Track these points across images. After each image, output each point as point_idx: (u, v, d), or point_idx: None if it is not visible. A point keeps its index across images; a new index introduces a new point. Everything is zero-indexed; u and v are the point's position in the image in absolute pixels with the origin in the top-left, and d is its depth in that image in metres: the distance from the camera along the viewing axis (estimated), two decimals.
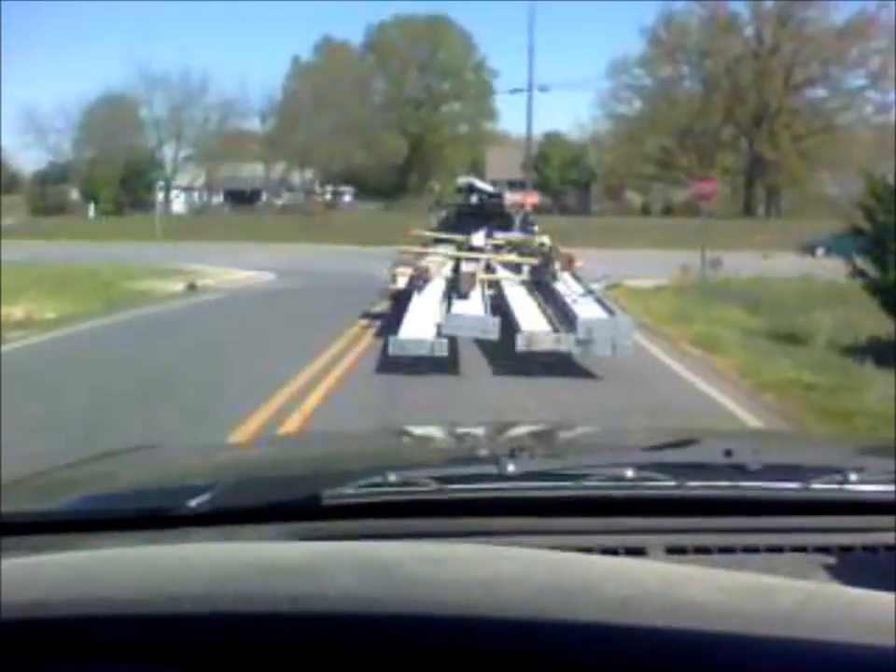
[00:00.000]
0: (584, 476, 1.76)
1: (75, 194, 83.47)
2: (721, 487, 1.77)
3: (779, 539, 1.69)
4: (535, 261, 16.97)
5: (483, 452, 2.55)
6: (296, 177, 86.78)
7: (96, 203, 79.69)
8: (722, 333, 15.35)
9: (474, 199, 21.76)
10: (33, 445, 6.95)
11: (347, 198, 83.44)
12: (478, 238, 19.01)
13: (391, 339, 12.13)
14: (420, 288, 14.94)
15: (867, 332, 14.57)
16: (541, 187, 64.79)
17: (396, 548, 1.28)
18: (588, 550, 1.52)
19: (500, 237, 19.67)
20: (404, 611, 0.98)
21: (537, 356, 12.05)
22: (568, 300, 13.74)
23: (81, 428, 7.99)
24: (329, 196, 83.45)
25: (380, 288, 18.59)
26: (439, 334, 12.14)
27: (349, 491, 1.68)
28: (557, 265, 15.98)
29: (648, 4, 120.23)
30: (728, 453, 1.84)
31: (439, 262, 17.54)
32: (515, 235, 20.02)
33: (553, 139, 78.15)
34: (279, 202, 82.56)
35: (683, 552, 1.63)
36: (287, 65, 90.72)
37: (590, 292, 14.42)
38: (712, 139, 76.91)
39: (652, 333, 16.33)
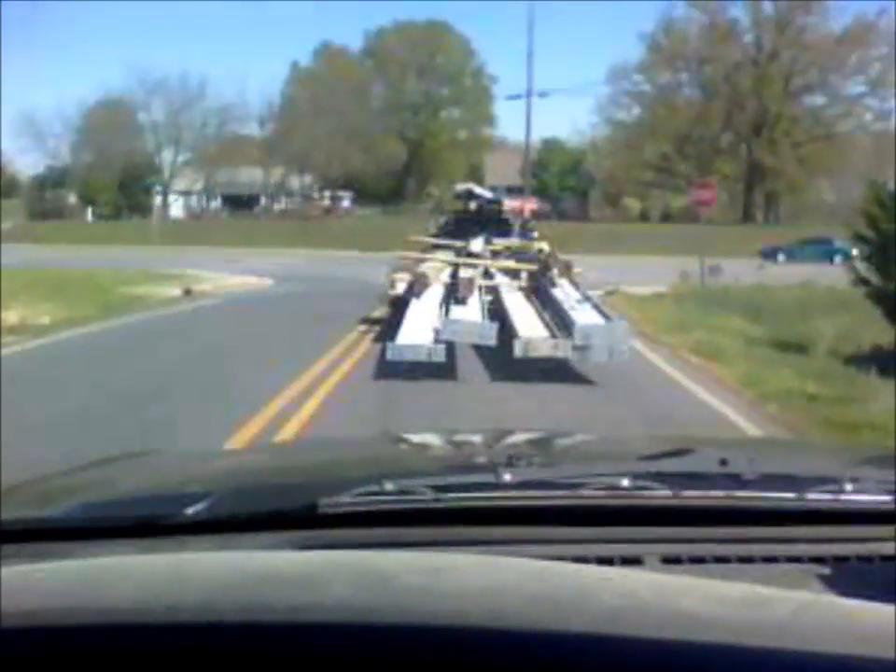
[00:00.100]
0: (580, 485, 1.75)
1: (73, 198, 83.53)
2: (716, 497, 1.77)
3: (774, 549, 1.69)
4: (533, 267, 16.93)
5: (480, 460, 2.55)
6: (294, 182, 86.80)
7: (94, 207, 79.67)
8: (723, 341, 15.21)
9: (473, 205, 21.70)
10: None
11: (346, 203, 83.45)
12: (476, 244, 19.02)
13: (389, 344, 12.11)
14: (418, 294, 14.86)
15: (869, 341, 14.44)
16: (540, 193, 64.74)
17: (392, 558, 1.27)
18: (584, 559, 1.52)
19: (499, 243, 19.65)
20: (399, 621, 0.97)
21: (534, 361, 12.02)
22: (566, 306, 13.73)
23: (61, 439, 7.76)
24: (327, 201, 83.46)
25: (379, 294, 18.52)
26: (436, 340, 12.14)
27: (346, 499, 1.68)
28: (555, 271, 15.97)
29: (647, 10, 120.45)
30: (723, 462, 1.86)
31: (437, 268, 17.47)
32: (514, 241, 20.02)
33: (551, 145, 78.25)
34: (277, 207, 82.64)
35: (679, 561, 1.63)
36: (286, 70, 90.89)
37: (587, 298, 14.39)
38: (711, 146, 76.92)
39: (652, 341, 16.20)
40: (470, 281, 15.12)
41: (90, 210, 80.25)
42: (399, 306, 15.39)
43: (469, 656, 0.94)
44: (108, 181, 79.40)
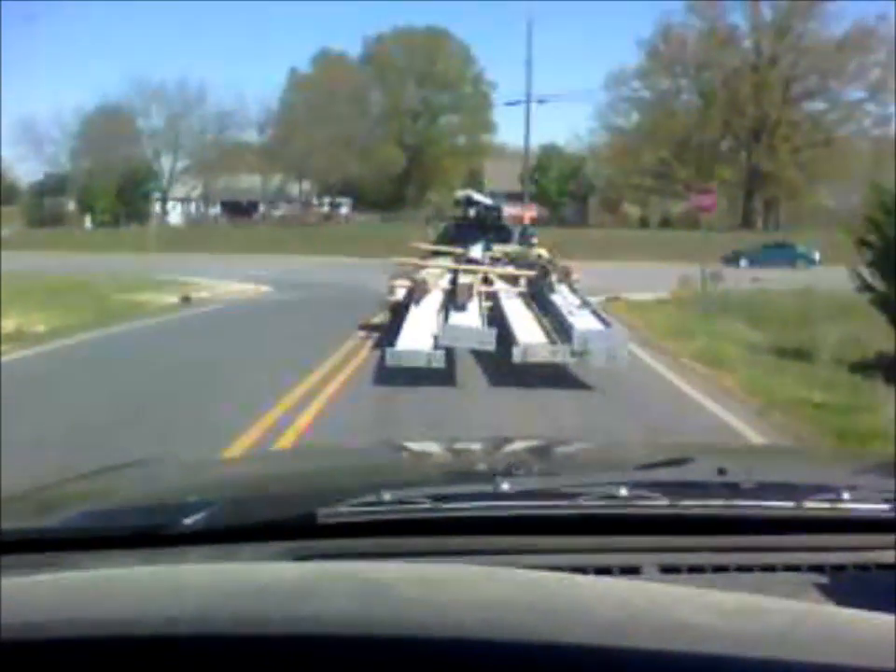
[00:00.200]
0: (579, 495, 1.74)
1: (71, 205, 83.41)
2: (714, 506, 1.76)
3: (773, 558, 1.69)
4: (532, 274, 16.96)
5: (479, 469, 2.58)
6: (293, 189, 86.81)
7: (92, 213, 79.58)
8: (726, 348, 15.08)
9: (472, 211, 21.73)
10: None
11: (344, 210, 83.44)
12: (476, 250, 19.07)
13: (388, 350, 12.14)
14: (418, 300, 14.92)
15: (873, 347, 14.33)
16: (539, 199, 64.68)
17: (389, 569, 1.26)
18: (582, 569, 1.53)
19: (498, 250, 19.67)
20: (397, 633, 0.97)
21: (533, 367, 12.04)
22: (565, 311, 13.74)
23: (44, 454, 7.46)
24: (326, 208, 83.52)
25: (380, 300, 18.46)
26: (436, 346, 12.17)
27: (344, 509, 1.68)
28: (554, 277, 16.00)
29: (646, 16, 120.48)
30: (722, 471, 1.86)
31: (437, 274, 17.48)
32: (513, 248, 20.03)
33: (550, 151, 78.06)
34: (276, 213, 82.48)
35: (677, 570, 1.64)
36: (285, 77, 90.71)
37: (586, 304, 14.38)
38: (710, 151, 76.86)
39: (654, 349, 16.09)
40: (469, 287, 15.12)
41: (88, 217, 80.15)
42: (398, 312, 15.39)
43: (466, 667, 0.94)
44: (107, 188, 79.30)
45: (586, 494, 1.74)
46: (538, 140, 71.72)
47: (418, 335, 12.68)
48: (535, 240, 21.18)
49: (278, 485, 2.38)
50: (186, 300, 25.82)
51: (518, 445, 3.17)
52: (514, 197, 47.19)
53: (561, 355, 12.20)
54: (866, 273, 14.57)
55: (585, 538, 1.71)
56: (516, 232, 21.68)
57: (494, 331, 12.71)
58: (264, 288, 31.42)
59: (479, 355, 13.17)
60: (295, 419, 9.49)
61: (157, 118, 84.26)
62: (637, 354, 15.10)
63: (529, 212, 24.97)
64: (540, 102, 55.60)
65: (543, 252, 19.29)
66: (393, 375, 11.84)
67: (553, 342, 12.61)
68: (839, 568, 1.68)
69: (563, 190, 77.74)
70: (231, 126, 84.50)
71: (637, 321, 20.10)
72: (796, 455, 4.08)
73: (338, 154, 79.37)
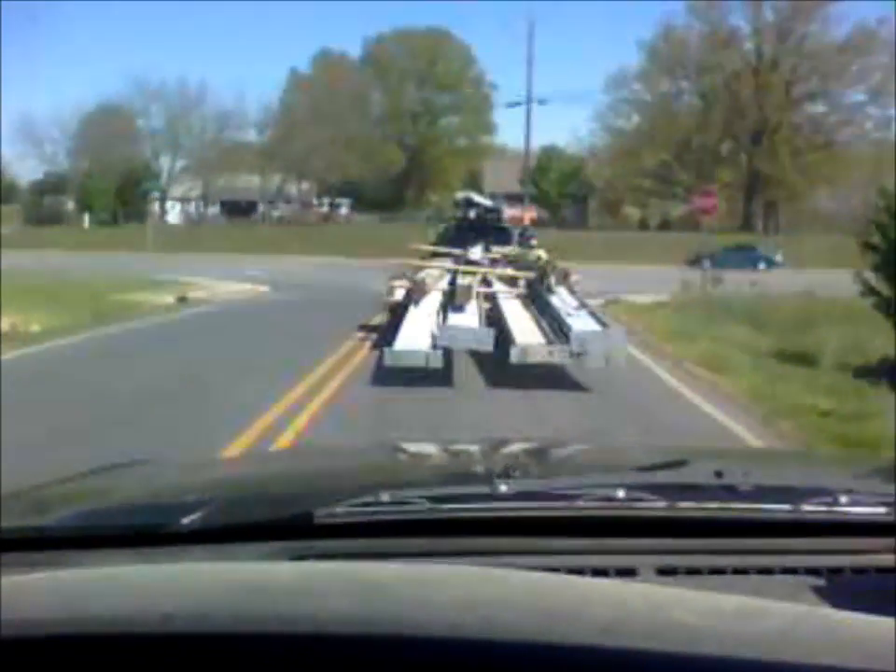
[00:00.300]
0: (576, 496, 1.74)
1: (70, 204, 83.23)
2: (711, 508, 1.76)
3: (770, 561, 1.69)
4: (531, 275, 16.98)
5: (476, 470, 2.56)
6: (293, 189, 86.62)
7: (91, 213, 79.45)
8: (728, 353, 14.91)
9: (472, 213, 21.76)
10: None
11: (344, 210, 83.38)
12: (475, 252, 19.07)
13: (386, 350, 12.19)
14: (416, 301, 14.96)
15: (876, 352, 14.15)
16: (539, 200, 64.64)
17: (386, 569, 1.26)
18: (579, 570, 1.54)
19: (498, 251, 19.68)
20: (393, 633, 0.98)
21: (531, 368, 12.06)
22: (563, 312, 13.80)
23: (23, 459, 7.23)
24: (325, 208, 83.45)
25: (379, 302, 18.42)
26: (434, 346, 12.21)
27: (341, 510, 1.67)
28: (553, 279, 16.03)
29: (647, 18, 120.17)
30: (719, 474, 1.85)
31: (436, 275, 17.47)
32: (512, 249, 20.04)
33: (550, 153, 77.86)
34: (275, 213, 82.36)
35: (674, 572, 1.63)
36: (285, 77, 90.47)
37: (584, 305, 14.45)
38: (711, 154, 76.75)
39: (656, 353, 15.96)
40: (468, 288, 15.18)
41: (87, 216, 79.98)
42: (397, 313, 15.45)
43: (462, 667, 0.94)
44: (106, 187, 79.12)
45: (583, 495, 1.74)
46: (538, 141, 71.57)
47: (416, 335, 12.71)
48: (534, 241, 21.17)
49: (275, 485, 2.37)
50: (182, 300, 25.71)
51: (515, 447, 3.19)
52: (514, 198, 47.20)
53: (559, 355, 12.26)
54: (871, 277, 14.37)
55: (582, 539, 1.70)
56: (516, 234, 21.68)
57: (492, 332, 12.79)
58: (262, 289, 31.28)
59: (478, 356, 13.17)
60: (287, 425, 9.30)
61: (156, 117, 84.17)
62: (637, 357, 15.06)
63: (529, 213, 24.85)
64: (541, 103, 55.65)
65: (542, 254, 19.30)
66: (390, 377, 11.77)
67: (550, 342, 12.66)
68: (836, 571, 1.67)
69: (563, 192, 77.57)
70: (230, 126, 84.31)
71: (638, 324, 19.96)
72: (794, 458, 4.10)
73: (337, 154, 79.23)
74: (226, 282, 32.39)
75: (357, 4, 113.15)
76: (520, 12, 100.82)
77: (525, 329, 13.55)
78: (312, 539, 1.66)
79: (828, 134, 76.90)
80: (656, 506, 1.73)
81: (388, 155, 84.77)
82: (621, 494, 1.73)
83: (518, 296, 16.36)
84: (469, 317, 13.67)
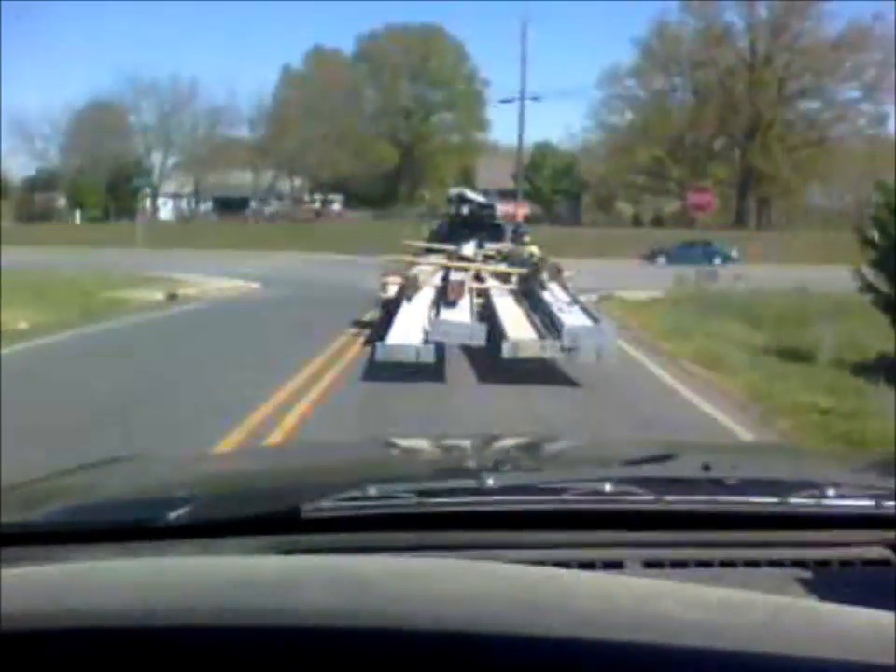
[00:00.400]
0: (563, 490, 1.75)
1: (62, 201, 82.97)
2: (698, 501, 1.76)
3: (756, 554, 1.69)
4: (524, 271, 16.99)
5: (465, 465, 2.55)
6: (285, 185, 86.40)
7: (83, 209, 79.25)
8: (724, 349, 14.76)
9: (465, 209, 21.73)
10: None
11: (336, 206, 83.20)
12: (468, 248, 19.17)
13: (378, 345, 12.26)
14: (409, 297, 14.98)
15: (872, 348, 14.03)
16: (532, 197, 64.48)
17: (368, 563, 1.27)
18: (566, 564, 1.53)
19: (491, 247, 19.74)
20: (374, 626, 0.97)
21: (522, 363, 12.15)
22: (555, 308, 13.86)
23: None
24: (318, 204, 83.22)
25: (371, 299, 18.49)
26: (426, 341, 12.28)
27: (328, 504, 1.67)
28: (545, 274, 16.07)
29: (641, 14, 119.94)
30: (706, 467, 1.85)
31: (429, 272, 17.50)
32: (505, 245, 20.10)
33: (544, 149, 77.75)
34: (268, 210, 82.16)
35: (661, 566, 1.62)
36: (277, 73, 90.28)
37: (576, 301, 14.51)
38: (704, 150, 76.78)
39: (651, 349, 15.83)
40: (460, 284, 15.21)
41: (78, 213, 79.76)
42: (390, 309, 15.47)
43: (444, 661, 0.94)
44: (97, 184, 79.01)
45: (571, 489, 1.74)
46: (531, 138, 71.62)
47: (409, 330, 12.75)
48: (527, 238, 21.09)
49: (263, 480, 2.37)
50: (172, 297, 25.52)
51: (505, 442, 3.20)
52: (507, 195, 47.00)
53: (550, 350, 12.37)
54: (869, 273, 14.20)
55: (569, 533, 1.69)
56: (509, 230, 21.65)
57: (484, 327, 12.87)
58: (253, 285, 31.11)
59: (470, 351, 13.23)
60: (274, 426, 9.06)
61: (148, 114, 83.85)
62: (632, 355, 14.94)
63: (522, 210, 24.74)
64: (534, 99, 55.49)
65: (535, 250, 19.28)
66: (381, 373, 11.76)
67: (542, 337, 12.72)
68: (823, 564, 1.67)
69: (556, 188, 77.47)
70: (222, 122, 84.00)
71: (632, 321, 19.84)
72: (781, 452, 4.11)
73: (330, 151, 79.00)
74: (217, 279, 32.17)
75: (350, 1, 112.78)
76: (513, 9, 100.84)
77: (517, 324, 13.60)
78: (299, 533, 1.64)
79: (821, 131, 76.89)
80: (643, 499, 1.73)
81: (381, 151, 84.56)
82: (608, 487, 1.73)
83: (511, 291, 16.37)
84: (462, 313, 13.71)
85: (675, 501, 1.74)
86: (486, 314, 14.52)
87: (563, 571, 1.32)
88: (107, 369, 12.91)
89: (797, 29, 73.35)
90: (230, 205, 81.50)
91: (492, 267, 18.23)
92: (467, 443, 3.15)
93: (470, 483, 1.78)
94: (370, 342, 14.39)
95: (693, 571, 1.61)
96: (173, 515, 1.66)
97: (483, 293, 16.22)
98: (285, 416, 9.53)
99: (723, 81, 75.12)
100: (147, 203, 79.07)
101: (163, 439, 8.31)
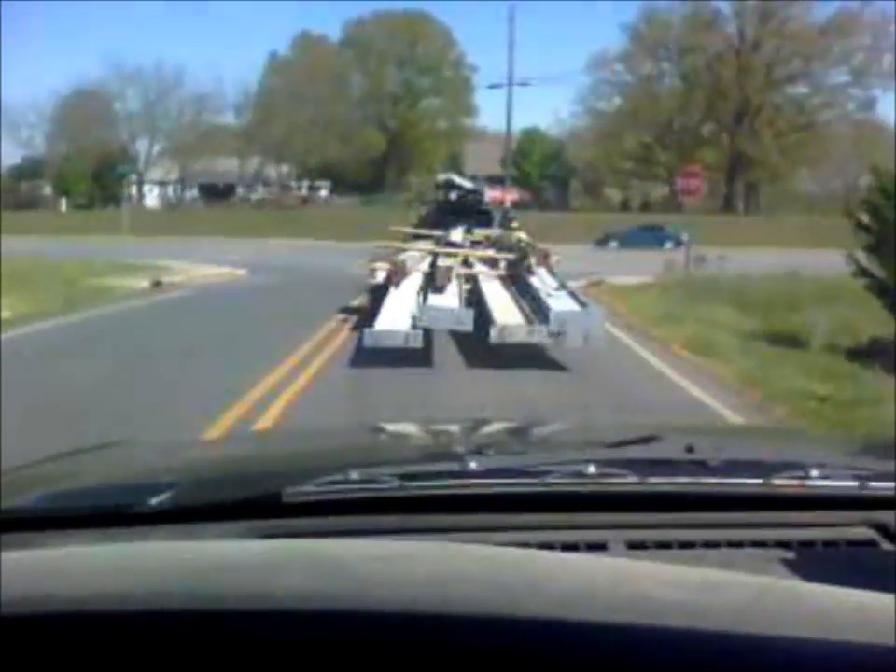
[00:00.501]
0: (546, 473, 1.74)
1: (48, 189, 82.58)
2: (681, 483, 1.76)
3: (740, 535, 1.69)
4: (511, 256, 17.03)
5: (448, 448, 2.52)
6: (272, 172, 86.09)
7: (69, 197, 78.88)
8: (717, 335, 14.62)
9: (453, 195, 21.65)
10: None
11: (324, 193, 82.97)
12: (456, 234, 19.05)
13: (366, 330, 12.30)
14: (397, 283, 15.01)
15: (865, 333, 13.90)
16: (520, 182, 64.32)
17: (346, 546, 1.26)
18: (549, 546, 1.53)
19: (479, 233, 19.66)
20: (350, 609, 0.97)
21: (511, 348, 12.20)
22: (542, 293, 13.94)
23: None
24: (304, 191, 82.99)
25: (359, 285, 18.49)
26: (414, 326, 12.31)
27: (310, 488, 1.67)
28: (533, 260, 16.14)
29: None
30: (690, 449, 1.85)
31: (417, 257, 17.45)
32: (493, 231, 20.02)
33: (532, 135, 77.64)
34: (254, 196, 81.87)
35: (644, 547, 1.64)
36: (264, 60, 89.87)
37: (563, 286, 14.58)
38: (692, 135, 76.69)
39: (642, 336, 15.69)
40: (448, 269, 15.28)
41: (64, 200, 79.38)
42: (378, 295, 15.50)
43: (420, 643, 0.94)
44: (83, 171, 78.65)
45: (554, 472, 1.74)
46: (519, 123, 71.51)
47: (397, 316, 12.78)
48: (515, 223, 20.96)
49: (247, 465, 2.38)
50: (157, 284, 25.28)
51: (490, 426, 3.19)
52: (495, 180, 46.86)
53: (538, 335, 12.40)
54: (862, 257, 14.03)
55: (553, 515, 1.70)
56: (497, 216, 21.46)
57: (471, 312, 12.92)
58: (239, 272, 30.87)
59: (458, 336, 13.30)
60: (259, 416, 8.87)
61: (133, 100, 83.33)
62: (623, 341, 14.82)
63: (510, 195, 24.63)
64: (522, 84, 55.34)
65: (523, 235, 19.22)
66: (370, 358, 11.77)
67: (530, 322, 12.77)
68: (807, 545, 1.68)
69: (544, 174, 77.38)
70: (208, 109, 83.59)
71: (622, 306, 19.69)
72: (765, 434, 4.09)
73: (317, 137, 78.78)
74: (203, 265, 31.93)
75: None
76: None
77: (504, 309, 13.66)
78: (280, 517, 1.65)
79: (810, 116, 76.88)
80: (627, 481, 1.73)
81: (368, 137, 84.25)
82: (591, 469, 1.73)
83: (499, 277, 16.36)
84: (450, 298, 13.79)
85: (658, 483, 1.74)
86: (474, 299, 14.59)
87: (542, 553, 1.30)
88: (87, 361, 12.61)
89: (785, 14, 73.23)
90: (216, 192, 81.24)
91: (480, 253, 18.19)
92: (450, 427, 3.16)
93: (454, 466, 1.77)
94: (358, 328, 14.35)
95: (677, 553, 1.61)
96: (154, 501, 1.66)
97: (471, 279, 16.21)
98: (268, 408, 9.32)
99: (712, 66, 74.99)
100: (133, 190, 78.63)
101: (136, 433, 8.01)
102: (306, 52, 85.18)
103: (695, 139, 76.52)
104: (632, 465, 1.77)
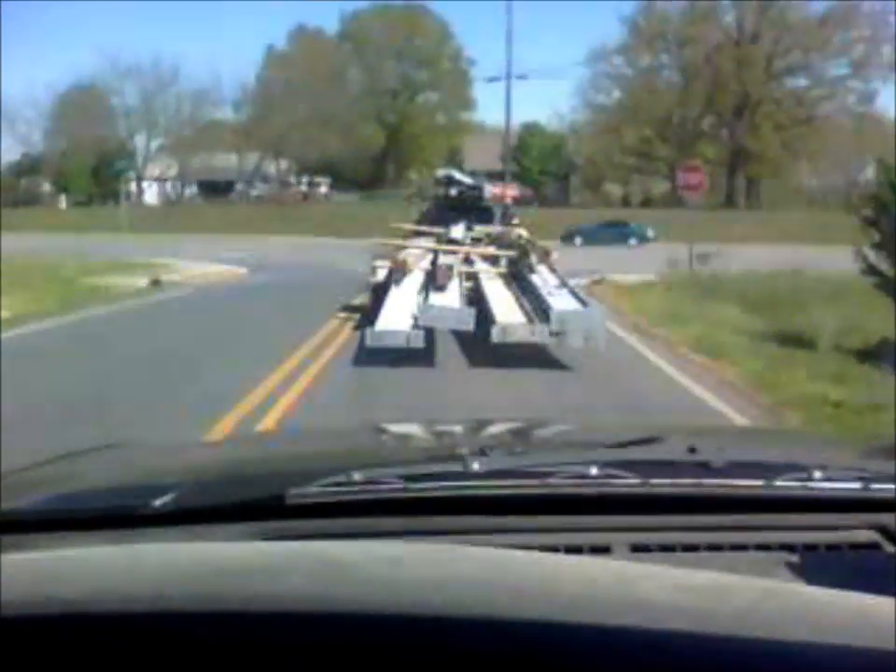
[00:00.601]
0: (549, 474, 1.73)
1: (47, 186, 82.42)
2: (685, 485, 1.75)
3: (743, 537, 1.69)
4: (512, 254, 17.00)
5: (452, 450, 2.51)
6: (271, 168, 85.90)
7: (67, 194, 78.74)
8: (724, 336, 14.40)
9: (453, 191, 21.50)
10: None
11: (323, 189, 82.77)
12: (457, 231, 18.98)
13: (368, 330, 12.27)
14: (398, 281, 14.93)
15: (873, 332, 13.61)
16: (520, 178, 64.06)
17: (351, 548, 1.26)
18: (553, 548, 1.54)
19: (480, 230, 19.61)
20: (356, 611, 0.96)
21: (513, 347, 12.17)
22: (544, 292, 13.89)
23: None
24: (304, 187, 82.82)
25: (359, 283, 18.41)
26: (415, 326, 12.30)
27: (313, 490, 1.67)
28: (534, 258, 16.07)
29: None
30: (693, 450, 1.84)
31: (418, 255, 17.31)
32: (494, 228, 19.97)
33: (531, 129, 77.31)
34: (253, 192, 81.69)
35: (648, 549, 1.64)
36: (261, 54, 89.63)
37: (564, 284, 14.50)
38: (692, 129, 76.54)
39: (647, 336, 15.54)
40: (449, 268, 15.21)
41: (63, 197, 79.22)
42: (379, 293, 15.41)
43: (426, 646, 0.94)
44: (81, 167, 78.37)
45: (557, 473, 1.73)
46: (518, 118, 70.98)
47: (398, 315, 12.77)
48: (515, 220, 20.84)
49: (249, 467, 2.37)
50: (155, 283, 25.16)
51: (494, 426, 3.18)
52: (495, 176, 46.66)
53: (539, 334, 12.36)
54: (871, 254, 13.81)
55: (556, 517, 1.70)
56: (498, 212, 21.43)
57: (473, 311, 12.89)
58: (239, 271, 30.77)
59: (460, 336, 13.25)
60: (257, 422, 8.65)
61: (131, 96, 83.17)
62: (628, 342, 14.68)
63: (510, 191, 24.42)
64: (521, 78, 55.07)
65: (523, 232, 19.04)
66: (371, 358, 11.75)
67: (531, 321, 12.75)
68: (811, 548, 1.68)
69: (544, 169, 77.09)
70: (206, 104, 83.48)
71: (625, 305, 19.52)
72: (768, 436, 4.09)
73: (316, 132, 78.47)
74: (202, 263, 31.89)
75: None
76: None
77: (506, 308, 13.60)
78: (284, 519, 1.65)
79: (810, 108, 76.69)
80: (630, 483, 1.72)
81: (367, 132, 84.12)
82: (594, 471, 1.72)
83: (500, 275, 16.31)
84: (451, 297, 13.72)
85: (661, 485, 1.74)
86: (475, 298, 14.57)
87: (546, 555, 1.30)
88: (80, 364, 12.44)
89: (784, 5, 73.04)
90: (215, 188, 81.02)
91: (481, 250, 18.12)
92: (453, 428, 3.17)
93: (456, 467, 1.76)
94: (359, 327, 14.31)
95: (681, 555, 1.62)
96: (157, 502, 1.66)
97: (472, 277, 16.15)
98: (268, 413, 9.12)
99: (711, 58, 74.71)
100: (132, 186, 78.44)
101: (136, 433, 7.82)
102: (303, 46, 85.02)
103: (695, 133, 76.45)
104: (635, 466, 1.77)
